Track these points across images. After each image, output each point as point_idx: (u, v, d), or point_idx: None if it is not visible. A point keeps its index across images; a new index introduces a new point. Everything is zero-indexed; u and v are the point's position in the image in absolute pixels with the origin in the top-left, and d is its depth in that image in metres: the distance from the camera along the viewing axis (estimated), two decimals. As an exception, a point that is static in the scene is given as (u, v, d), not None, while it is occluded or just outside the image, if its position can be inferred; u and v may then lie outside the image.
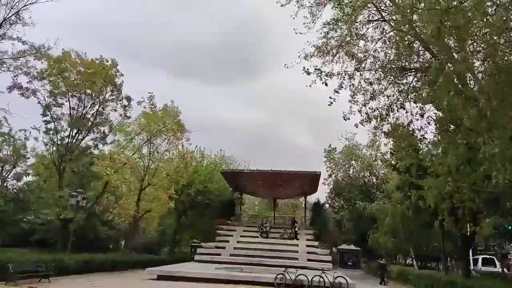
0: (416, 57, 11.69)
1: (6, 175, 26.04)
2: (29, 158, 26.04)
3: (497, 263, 26.08)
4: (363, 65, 12.25)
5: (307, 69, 11.52)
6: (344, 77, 12.04)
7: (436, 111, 11.36)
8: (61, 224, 23.02)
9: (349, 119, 11.83)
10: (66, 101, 24.15)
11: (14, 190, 25.19)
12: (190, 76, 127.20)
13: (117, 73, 25.01)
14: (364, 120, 12.11)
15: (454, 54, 9.77)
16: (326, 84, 11.48)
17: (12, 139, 24.34)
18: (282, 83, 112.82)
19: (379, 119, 11.97)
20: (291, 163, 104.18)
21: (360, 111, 12.10)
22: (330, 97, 11.47)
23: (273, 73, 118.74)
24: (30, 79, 22.35)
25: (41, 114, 23.78)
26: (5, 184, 25.52)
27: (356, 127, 12.10)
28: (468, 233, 17.88)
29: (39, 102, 23.39)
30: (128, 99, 26.30)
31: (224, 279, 17.72)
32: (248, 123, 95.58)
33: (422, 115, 11.45)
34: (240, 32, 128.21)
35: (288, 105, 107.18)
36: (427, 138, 12.54)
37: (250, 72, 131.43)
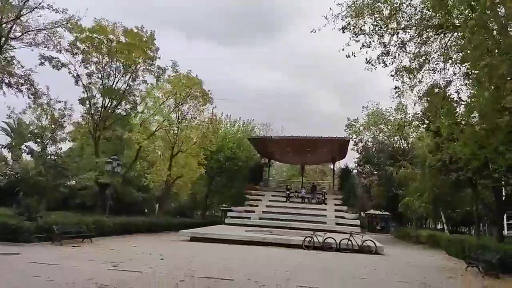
0: (452, 13, 10.99)
1: (46, 142, 27.49)
2: (65, 127, 27.34)
3: None
4: (396, 25, 11.68)
5: (343, 26, 11.21)
6: (372, 36, 11.58)
7: (473, 70, 10.79)
8: (99, 188, 24.35)
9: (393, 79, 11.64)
10: (97, 71, 24.82)
11: (54, 157, 26.55)
12: (207, 37, 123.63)
13: (154, 46, 25.44)
14: (396, 74, 11.82)
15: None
16: (359, 34, 11.23)
17: (50, 109, 25.71)
18: (306, 43, 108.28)
19: (411, 75, 11.62)
20: (319, 128, 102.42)
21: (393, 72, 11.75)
22: (353, 54, 11.23)
23: (297, 30, 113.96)
24: (59, 51, 22.83)
25: (74, 83, 24.60)
26: (45, 151, 27.01)
27: (392, 77, 11.85)
28: (504, 197, 17.34)
29: (70, 73, 24.10)
30: (163, 70, 26.82)
31: (255, 241, 18.31)
32: (271, 86, 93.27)
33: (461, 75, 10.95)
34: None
35: (312, 68, 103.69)
36: (464, 100, 12.02)
37: (270, 31, 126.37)
